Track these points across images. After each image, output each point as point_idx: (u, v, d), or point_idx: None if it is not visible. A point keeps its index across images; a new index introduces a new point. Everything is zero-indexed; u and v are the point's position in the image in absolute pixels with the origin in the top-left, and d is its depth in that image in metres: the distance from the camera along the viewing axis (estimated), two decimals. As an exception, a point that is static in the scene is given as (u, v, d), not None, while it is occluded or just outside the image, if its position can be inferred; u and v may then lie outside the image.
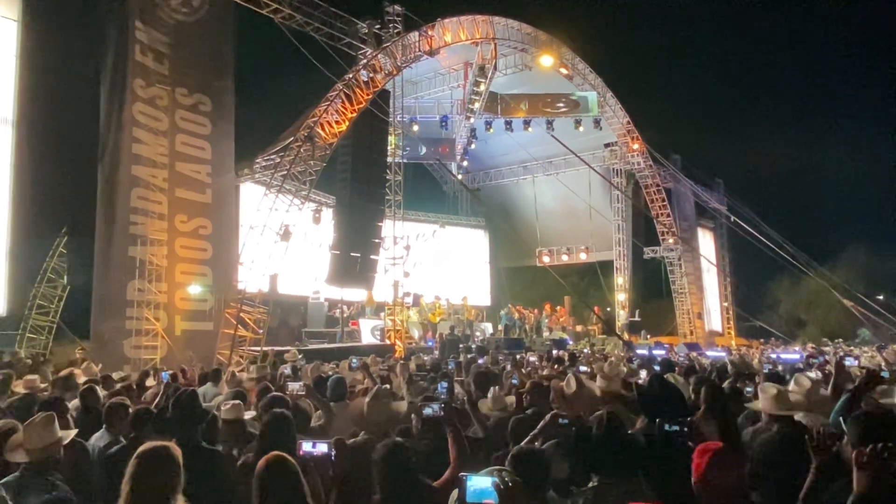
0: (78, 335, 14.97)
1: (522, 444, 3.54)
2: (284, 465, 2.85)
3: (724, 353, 16.01)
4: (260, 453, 3.54)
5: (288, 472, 2.83)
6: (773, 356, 15.51)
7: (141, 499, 2.66)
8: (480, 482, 2.22)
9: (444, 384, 5.56)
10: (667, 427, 3.49)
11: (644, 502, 2.56)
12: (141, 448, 2.81)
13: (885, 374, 6.15)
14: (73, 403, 5.74)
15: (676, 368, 8.46)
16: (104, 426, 4.82)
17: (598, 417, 3.32)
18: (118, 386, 7.08)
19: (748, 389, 5.96)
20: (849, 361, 8.94)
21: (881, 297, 27.68)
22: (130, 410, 4.83)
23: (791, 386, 4.49)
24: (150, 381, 7.76)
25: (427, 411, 3.93)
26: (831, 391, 4.83)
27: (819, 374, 7.47)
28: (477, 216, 30.33)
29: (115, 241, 13.41)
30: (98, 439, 4.72)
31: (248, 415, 4.85)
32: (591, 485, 3.03)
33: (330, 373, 8.37)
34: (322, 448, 2.90)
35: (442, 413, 3.75)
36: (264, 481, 2.79)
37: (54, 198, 15.57)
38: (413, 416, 4.56)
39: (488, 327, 24.83)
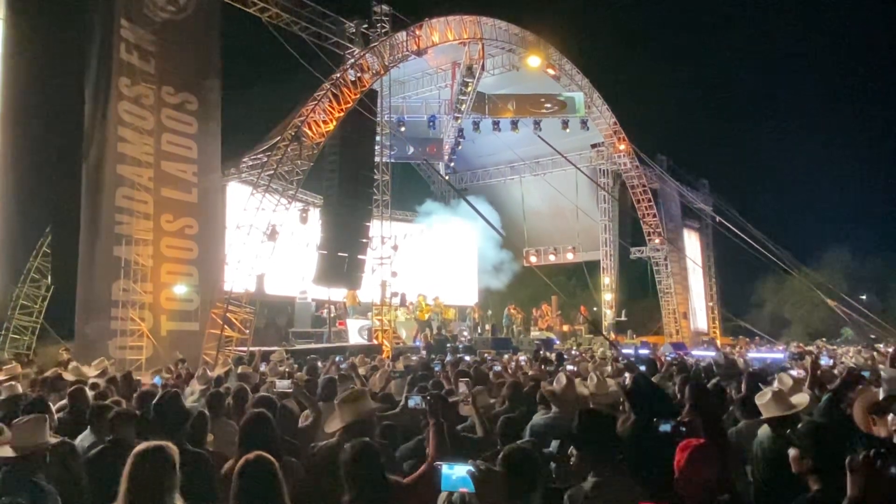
0: (62, 336, 14.81)
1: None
2: (263, 465, 2.82)
3: (712, 353, 16.10)
4: (241, 455, 3.49)
5: (266, 471, 2.80)
6: (757, 355, 15.66)
7: (138, 497, 2.64)
8: (456, 471, 2.22)
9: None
10: (661, 427, 3.51)
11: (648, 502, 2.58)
12: (138, 447, 2.79)
13: (866, 374, 6.20)
14: (60, 404, 5.70)
15: (662, 368, 8.53)
16: (89, 427, 4.79)
17: (578, 414, 3.34)
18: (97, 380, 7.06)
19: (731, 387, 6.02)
20: (823, 360, 9.05)
21: (864, 297, 28.05)
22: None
23: (775, 385, 4.55)
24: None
25: (411, 403, 3.85)
26: (809, 389, 4.90)
27: (802, 372, 7.56)
28: (465, 216, 30.28)
29: (99, 241, 13.29)
30: (83, 440, 4.69)
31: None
32: (589, 481, 3.05)
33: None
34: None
35: (425, 405, 3.66)
36: (242, 481, 2.76)
37: (38, 197, 15.41)
38: None
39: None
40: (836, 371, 8.07)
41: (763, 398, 4.16)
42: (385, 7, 19.45)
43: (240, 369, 8.38)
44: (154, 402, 4.22)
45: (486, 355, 14.32)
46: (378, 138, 19.66)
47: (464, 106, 22.74)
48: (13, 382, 6.40)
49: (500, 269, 28.09)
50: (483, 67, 21.81)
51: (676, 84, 43.33)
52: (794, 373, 6.86)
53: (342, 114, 16.91)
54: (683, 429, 3.48)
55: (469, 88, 22.04)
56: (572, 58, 24.50)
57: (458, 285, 27.11)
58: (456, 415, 4.68)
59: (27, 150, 14.23)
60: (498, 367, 9.24)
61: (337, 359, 10.49)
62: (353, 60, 17.97)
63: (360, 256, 18.07)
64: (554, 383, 4.88)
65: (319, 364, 9.57)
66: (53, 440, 3.74)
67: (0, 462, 3.52)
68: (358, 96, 17.29)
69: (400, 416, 5.15)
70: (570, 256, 28.81)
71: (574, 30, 29.72)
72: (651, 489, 2.99)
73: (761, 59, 47.51)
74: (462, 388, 5.54)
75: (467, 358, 12.18)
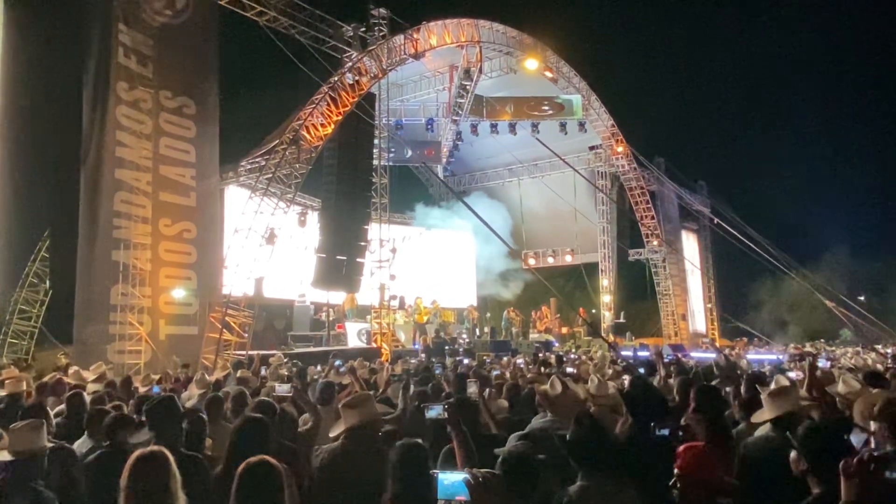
0: (60, 340, 14.78)
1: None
2: (266, 470, 2.78)
3: (712, 355, 16.05)
4: (229, 459, 3.42)
5: (270, 477, 2.76)
6: (755, 356, 15.65)
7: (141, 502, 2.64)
8: (451, 478, 2.20)
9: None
10: (658, 432, 3.50)
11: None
12: (136, 453, 2.78)
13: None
14: (58, 409, 5.68)
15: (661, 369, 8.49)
16: (86, 432, 4.77)
17: (575, 416, 3.34)
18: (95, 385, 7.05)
19: (727, 389, 5.99)
20: (821, 363, 9.02)
21: (862, 298, 28.07)
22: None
23: (772, 386, 4.54)
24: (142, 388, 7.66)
25: (430, 413, 3.76)
26: (806, 392, 4.88)
27: (800, 373, 7.55)
28: (463, 219, 30.28)
29: (98, 245, 13.29)
30: (80, 445, 4.67)
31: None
32: (576, 484, 3.05)
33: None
34: None
35: (446, 415, 3.54)
36: (245, 486, 2.72)
37: (37, 201, 15.37)
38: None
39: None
40: (833, 373, 8.06)
41: (769, 397, 4.14)
42: (382, 10, 19.47)
43: (239, 373, 8.37)
44: (146, 406, 4.17)
45: (485, 358, 14.30)
46: (376, 141, 19.68)
47: (462, 109, 22.77)
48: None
49: (499, 272, 28.12)
50: (481, 70, 21.85)
51: (674, 86, 43.47)
52: (791, 374, 6.85)
53: (340, 117, 16.93)
54: (682, 433, 3.47)
55: (467, 91, 22.07)
56: (570, 60, 24.57)
57: (456, 288, 27.10)
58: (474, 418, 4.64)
59: (25, 154, 14.22)
60: (497, 371, 9.22)
61: (336, 362, 10.46)
62: (350, 64, 17.98)
63: (358, 259, 18.08)
64: (549, 387, 4.87)
65: (320, 367, 9.55)
66: (50, 445, 3.73)
67: (-2, 467, 3.51)
68: (356, 99, 17.32)
69: (401, 420, 5.14)
70: (568, 258, 28.84)
71: (572, 32, 29.80)
72: (650, 492, 2.99)
73: (759, 61, 47.59)
74: (471, 388, 5.52)
75: (465, 361, 12.17)
